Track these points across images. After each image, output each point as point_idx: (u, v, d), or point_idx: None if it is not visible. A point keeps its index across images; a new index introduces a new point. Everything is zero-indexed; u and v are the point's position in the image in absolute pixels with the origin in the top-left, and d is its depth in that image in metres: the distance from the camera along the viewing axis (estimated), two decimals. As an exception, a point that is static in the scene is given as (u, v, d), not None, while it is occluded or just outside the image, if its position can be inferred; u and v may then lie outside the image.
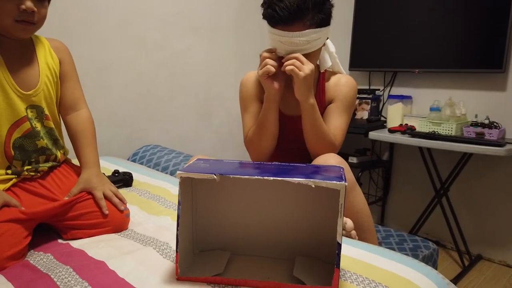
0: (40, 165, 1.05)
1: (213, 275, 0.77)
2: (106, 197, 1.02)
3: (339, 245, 0.71)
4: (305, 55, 1.15)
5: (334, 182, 0.70)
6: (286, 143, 1.36)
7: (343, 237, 1.03)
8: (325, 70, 1.33)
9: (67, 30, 1.79)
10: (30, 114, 1.01)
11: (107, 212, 0.99)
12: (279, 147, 1.35)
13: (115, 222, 1.00)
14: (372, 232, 1.18)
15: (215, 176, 0.73)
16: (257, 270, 0.82)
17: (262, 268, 0.82)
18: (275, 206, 0.86)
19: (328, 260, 0.82)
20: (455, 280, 2.05)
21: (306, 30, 1.11)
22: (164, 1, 2.15)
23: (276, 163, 0.85)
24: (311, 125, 1.22)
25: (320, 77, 1.33)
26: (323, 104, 1.33)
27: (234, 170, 0.76)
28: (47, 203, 0.97)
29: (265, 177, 0.72)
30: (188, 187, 0.81)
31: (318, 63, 1.33)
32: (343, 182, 0.70)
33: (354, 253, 0.89)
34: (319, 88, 1.33)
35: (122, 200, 1.05)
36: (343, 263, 0.84)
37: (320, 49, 1.24)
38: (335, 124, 1.29)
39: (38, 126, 1.03)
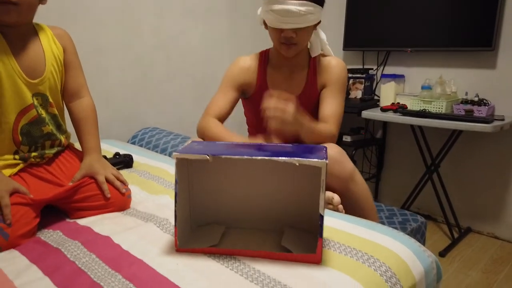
0: (46, 151, 1.10)
1: (209, 246, 0.85)
2: (108, 181, 1.07)
3: (321, 217, 0.78)
4: (299, 32, 1.20)
5: (316, 160, 0.76)
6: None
7: (329, 210, 1.10)
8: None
9: (64, 13, 1.83)
10: (36, 102, 1.06)
11: (109, 195, 1.05)
12: (264, 131, 1.39)
13: (118, 203, 1.07)
14: (373, 211, 1.26)
15: (207, 157, 0.80)
16: (249, 241, 0.90)
17: (254, 239, 0.90)
18: (266, 182, 0.93)
19: (314, 231, 0.90)
20: (444, 252, 2.14)
21: (304, 1, 1.17)
22: (159, -15, 2.17)
23: (264, 143, 0.91)
24: (310, 138, 1.23)
25: (311, 62, 1.38)
26: (315, 87, 1.37)
27: (225, 151, 0.83)
28: (52, 187, 1.03)
29: (253, 157, 0.79)
30: (184, 167, 0.88)
31: (309, 47, 1.38)
32: (324, 160, 0.76)
33: (338, 225, 0.97)
34: (310, 72, 1.37)
35: (124, 182, 1.12)
36: (327, 234, 0.92)
37: (311, 30, 1.28)
38: (331, 110, 1.33)
39: (43, 113, 1.08)
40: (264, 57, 1.39)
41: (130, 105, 2.17)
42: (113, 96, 2.08)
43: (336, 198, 1.12)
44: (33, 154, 1.07)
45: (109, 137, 2.06)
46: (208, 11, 2.43)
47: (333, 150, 1.18)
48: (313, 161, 0.77)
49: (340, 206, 1.13)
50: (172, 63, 2.32)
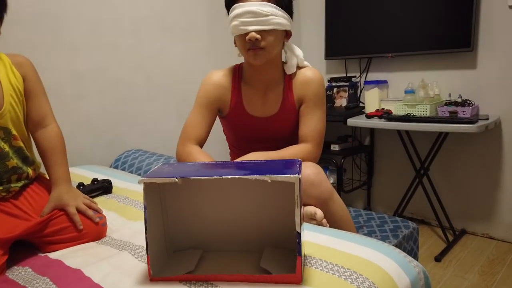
0: (12, 185, 1.05)
1: (184, 273, 0.81)
2: (79, 211, 1.03)
3: (299, 234, 0.75)
4: (264, 35, 1.17)
5: (288, 175, 0.73)
6: (253, 143, 1.38)
7: (310, 224, 1.07)
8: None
9: (37, 42, 1.80)
10: None
11: (81, 227, 1.00)
12: (244, 148, 1.37)
13: (92, 233, 1.02)
14: (352, 228, 1.23)
15: (176, 180, 0.77)
16: (227, 264, 0.86)
17: (233, 262, 0.86)
18: (241, 202, 0.90)
19: (294, 249, 0.86)
20: (440, 256, 2.11)
21: (266, 2, 1.16)
22: (135, 5, 2.16)
23: (238, 161, 0.88)
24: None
25: (286, 77, 1.34)
26: (293, 104, 1.33)
27: (195, 172, 0.79)
28: (20, 223, 0.98)
29: (223, 176, 0.76)
30: (155, 191, 0.84)
31: (285, 63, 1.34)
32: (296, 175, 0.73)
33: (320, 240, 0.93)
34: (285, 88, 1.33)
35: (97, 211, 1.07)
36: (309, 250, 0.88)
37: (279, 37, 1.23)
38: (311, 126, 1.30)
39: (6, 147, 1.03)
40: (237, 73, 1.36)
41: (112, 128, 2.13)
42: (94, 121, 2.05)
43: (319, 213, 1.09)
44: None
45: (91, 162, 2.02)
46: (187, 29, 2.42)
47: (311, 170, 1.15)
48: (286, 176, 0.74)
49: (324, 221, 1.10)
50: (153, 82, 2.30)
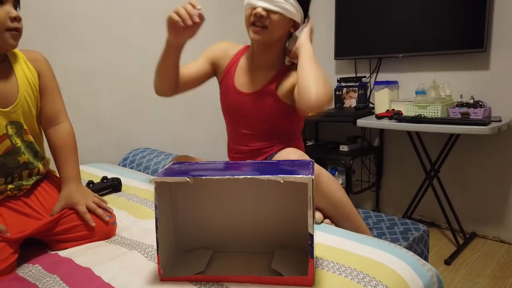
0: (24, 182, 1.05)
1: (195, 273, 0.80)
2: (89, 210, 1.03)
3: (311, 236, 0.74)
4: (270, 15, 1.19)
5: (301, 176, 0.72)
6: (234, 119, 1.40)
7: (321, 224, 1.06)
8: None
9: (50, 40, 1.81)
10: (10, 131, 1.01)
11: (93, 224, 1.00)
12: (235, 130, 1.40)
13: (102, 232, 1.02)
14: (352, 219, 1.21)
15: (188, 179, 0.76)
16: (238, 265, 0.85)
17: (243, 263, 0.85)
18: (252, 202, 0.89)
19: (306, 251, 0.85)
20: (450, 259, 2.08)
21: None
22: (145, 4, 2.16)
23: (249, 161, 0.87)
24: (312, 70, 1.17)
25: (282, 68, 1.33)
26: (272, 87, 1.31)
27: (207, 172, 0.79)
28: (31, 221, 0.98)
29: (235, 176, 0.75)
30: (166, 191, 0.84)
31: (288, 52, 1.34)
32: (309, 176, 0.72)
33: (332, 241, 0.92)
34: (276, 76, 1.32)
35: (107, 209, 1.07)
36: (321, 252, 0.87)
37: (285, 23, 1.24)
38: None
39: (19, 142, 1.04)
40: (244, 49, 1.41)
41: (121, 127, 2.13)
42: (103, 119, 2.05)
43: (317, 215, 1.08)
44: (10, 186, 1.02)
45: (100, 161, 2.02)
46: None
47: (294, 154, 1.16)
48: (299, 177, 0.73)
49: (327, 220, 1.09)
50: (162, 82, 2.29)
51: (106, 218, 1.03)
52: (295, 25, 1.28)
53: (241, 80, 1.36)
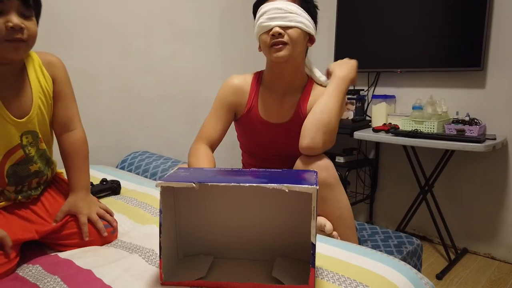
0: (32, 192, 1.03)
1: (196, 278, 0.81)
2: (91, 221, 1.01)
3: (313, 246, 0.75)
4: (287, 31, 1.21)
5: (306, 186, 0.73)
6: (261, 150, 1.39)
7: (322, 236, 1.07)
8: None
9: (52, 41, 1.81)
10: (25, 141, 0.98)
11: (87, 239, 0.99)
12: (256, 155, 1.38)
13: (98, 242, 1.01)
14: (353, 228, 1.22)
15: (194, 185, 0.77)
16: (238, 272, 0.85)
17: (244, 270, 0.86)
18: (255, 210, 0.90)
19: (306, 260, 0.86)
20: (441, 274, 2.10)
21: (291, 2, 1.22)
22: (147, 8, 2.18)
23: (253, 169, 0.89)
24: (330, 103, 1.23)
25: (307, 87, 1.35)
26: (304, 113, 1.31)
27: (212, 178, 0.80)
28: (35, 227, 0.97)
29: (241, 184, 0.76)
30: (170, 195, 0.84)
31: (308, 73, 1.37)
32: (314, 186, 0.73)
33: (331, 252, 0.93)
34: (302, 98, 1.33)
35: (110, 222, 1.05)
36: (320, 262, 0.88)
37: (302, 37, 1.25)
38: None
39: (33, 152, 1.01)
40: (258, 78, 1.37)
41: (119, 129, 2.14)
42: (102, 121, 2.05)
43: (328, 225, 1.09)
44: (19, 197, 1.01)
45: (98, 163, 2.01)
46: (198, 33, 2.44)
47: (322, 161, 1.18)
48: (303, 187, 0.74)
49: (335, 233, 1.10)
50: (162, 86, 2.31)
51: (104, 234, 1.01)
52: (311, 39, 1.31)
53: (268, 111, 1.34)
